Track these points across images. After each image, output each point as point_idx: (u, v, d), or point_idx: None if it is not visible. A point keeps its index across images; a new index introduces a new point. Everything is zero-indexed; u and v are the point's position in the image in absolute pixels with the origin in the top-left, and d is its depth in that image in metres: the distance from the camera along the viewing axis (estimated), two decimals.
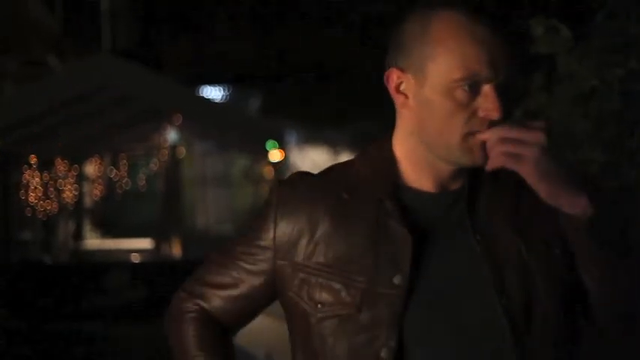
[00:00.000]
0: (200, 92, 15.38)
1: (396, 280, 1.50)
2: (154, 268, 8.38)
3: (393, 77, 1.55)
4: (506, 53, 1.49)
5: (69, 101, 7.23)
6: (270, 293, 1.62)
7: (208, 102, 9.35)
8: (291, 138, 14.36)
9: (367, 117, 14.49)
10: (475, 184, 1.56)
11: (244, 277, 1.63)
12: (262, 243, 1.60)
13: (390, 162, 1.58)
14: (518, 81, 1.55)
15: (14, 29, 9.91)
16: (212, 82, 17.66)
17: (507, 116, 1.51)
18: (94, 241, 14.52)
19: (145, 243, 12.88)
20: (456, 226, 1.54)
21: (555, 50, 3.79)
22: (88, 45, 13.65)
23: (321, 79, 16.08)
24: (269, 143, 7.74)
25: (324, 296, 1.53)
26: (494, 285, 1.49)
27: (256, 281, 1.62)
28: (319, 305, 1.53)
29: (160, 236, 12.91)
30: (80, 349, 7.48)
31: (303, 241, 1.56)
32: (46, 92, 7.03)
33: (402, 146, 1.58)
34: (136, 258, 9.86)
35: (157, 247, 12.70)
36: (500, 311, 1.48)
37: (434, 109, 1.50)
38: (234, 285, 1.64)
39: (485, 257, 1.51)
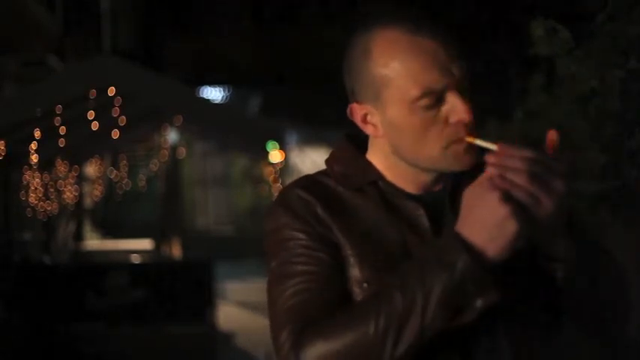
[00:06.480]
0: (200, 93, 15.38)
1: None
2: (154, 268, 8.36)
3: (357, 111, 1.53)
4: (453, 51, 1.46)
5: (69, 101, 7.22)
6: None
7: (209, 103, 9.33)
8: (292, 139, 14.35)
9: None
10: (456, 188, 1.53)
11: (327, 275, 1.48)
12: (310, 229, 1.50)
13: (369, 165, 1.56)
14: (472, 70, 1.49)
15: (14, 29, 9.91)
16: (212, 82, 17.66)
17: (473, 104, 1.48)
18: (94, 242, 14.52)
19: (145, 243, 12.88)
20: (439, 224, 1.52)
21: (555, 51, 3.80)
22: (88, 45, 13.67)
23: (321, 79, 16.08)
24: (269, 144, 7.73)
25: (367, 274, 1.48)
26: None
27: (335, 269, 1.49)
28: (365, 284, 1.48)
29: (160, 237, 12.91)
30: (80, 350, 7.49)
31: (329, 222, 1.51)
32: (47, 92, 7.01)
33: (382, 163, 1.56)
34: (136, 258, 9.85)
35: (157, 247, 12.70)
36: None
37: (403, 130, 1.48)
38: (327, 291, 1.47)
39: None
